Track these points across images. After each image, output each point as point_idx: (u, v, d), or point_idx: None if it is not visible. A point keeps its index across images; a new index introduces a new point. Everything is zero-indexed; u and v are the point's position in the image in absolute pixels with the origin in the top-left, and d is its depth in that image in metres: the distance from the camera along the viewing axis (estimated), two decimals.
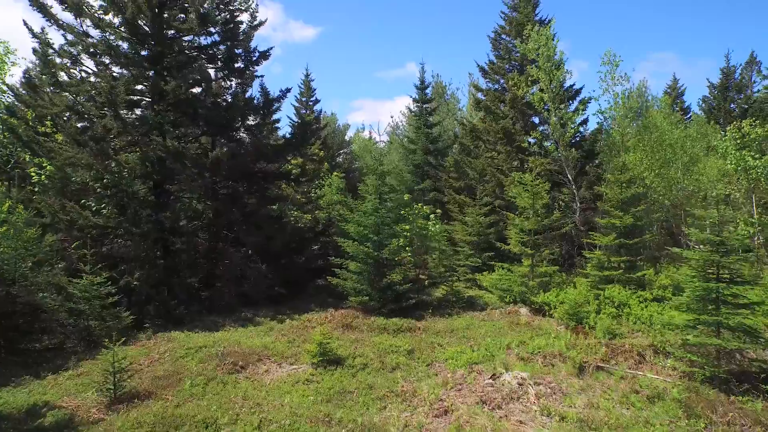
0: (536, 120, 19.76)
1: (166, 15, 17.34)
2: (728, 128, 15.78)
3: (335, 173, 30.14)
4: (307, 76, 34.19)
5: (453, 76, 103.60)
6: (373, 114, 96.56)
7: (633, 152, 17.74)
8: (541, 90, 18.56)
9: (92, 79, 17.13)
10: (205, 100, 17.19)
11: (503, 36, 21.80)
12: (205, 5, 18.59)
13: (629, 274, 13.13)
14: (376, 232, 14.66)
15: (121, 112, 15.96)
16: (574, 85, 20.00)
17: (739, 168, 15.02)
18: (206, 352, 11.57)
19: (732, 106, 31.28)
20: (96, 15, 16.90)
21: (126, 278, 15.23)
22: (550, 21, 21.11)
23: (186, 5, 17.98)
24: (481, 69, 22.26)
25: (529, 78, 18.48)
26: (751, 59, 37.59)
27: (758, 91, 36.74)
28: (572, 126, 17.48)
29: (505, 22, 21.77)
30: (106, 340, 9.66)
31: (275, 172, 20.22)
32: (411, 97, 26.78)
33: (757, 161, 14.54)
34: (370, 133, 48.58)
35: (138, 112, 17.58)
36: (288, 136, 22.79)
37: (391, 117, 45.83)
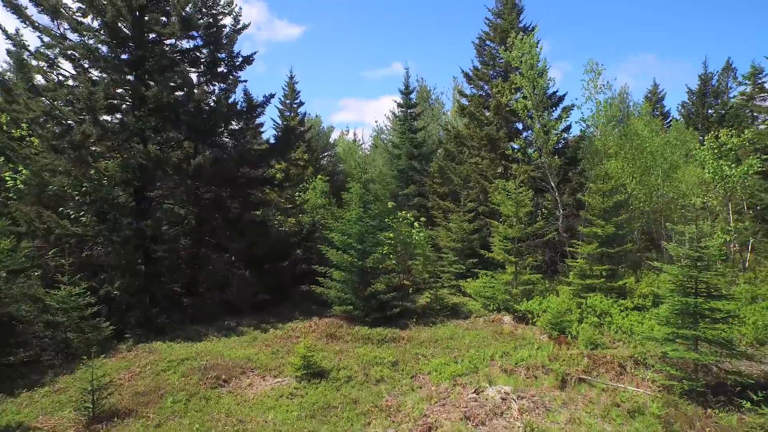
0: (520, 126, 19.90)
1: (147, 18, 17.05)
2: (706, 137, 16.10)
3: (319, 176, 30.00)
4: (291, 78, 33.98)
5: (439, 76, 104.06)
6: (359, 113, 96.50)
7: (615, 159, 18.00)
8: (525, 97, 18.70)
9: (70, 82, 16.77)
10: (187, 105, 16.92)
11: (488, 42, 21.89)
12: (188, 8, 18.36)
13: (611, 282, 13.31)
14: (360, 240, 14.62)
15: (101, 117, 15.63)
16: (557, 91, 20.21)
17: (717, 176, 15.34)
18: (188, 365, 11.41)
19: (710, 111, 31.95)
20: (74, 17, 16.55)
21: (106, 287, 14.95)
22: (533, 28, 21.24)
23: (168, 8, 17.70)
24: (466, 75, 22.32)
25: (513, 85, 18.61)
26: (727, 66, 38.39)
27: (734, 96, 37.59)
28: (555, 133, 17.64)
29: (489, 28, 21.86)
30: (85, 357, 9.48)
31: (259, 177, 20.08)
32: (396, 102, 26.81)
33: (733, 170, 14.87)
34: (355, 134, 48.42)
35: (118, 116, 17.27)
36: (272, 140, 22.63)
37: (376, 121, 45.52)
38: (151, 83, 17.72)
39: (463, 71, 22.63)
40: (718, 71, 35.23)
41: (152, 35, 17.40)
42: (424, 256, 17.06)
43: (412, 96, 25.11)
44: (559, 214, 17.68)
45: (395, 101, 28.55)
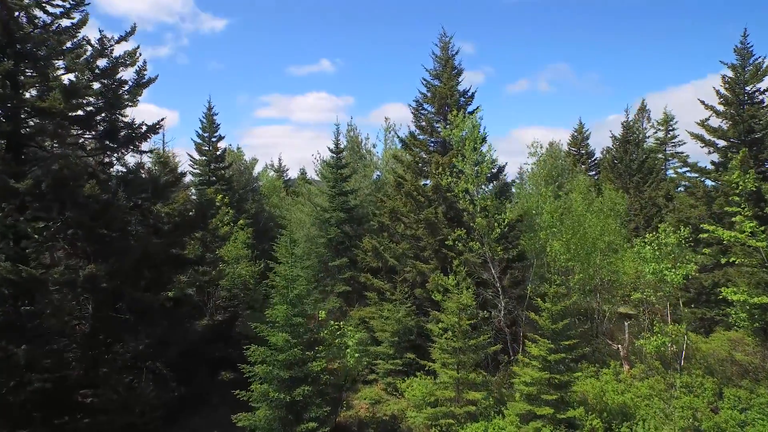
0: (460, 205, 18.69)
1: (18, 84, 13.92)
2: (647, 235, 15.94)
3: (240, 221, 27.38)
4: (209, 109, 30.82)
5: (370, 80, 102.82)
6: (284, 111, 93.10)
7: (556, 241, 17.54)
8: (461, 171, 17.64)
9: None
10: (76, 193, 13.95)
11: (425, 105, 20.53)
12: (78, 61, 15.33)
13: (559, 414, 12.52)
14: (287, 367, 12.76)
15: None
16: (495, 160, 19.22)
17: (657, 278, 15.20)
18: None
19: (634, 155, 33.05)
20: None
21: None
22: (473, 94, 20.21)
23: (46, 70, 14.52)
24: (402, 141, 20.84)
25: (454, 168, 17.40)
26: (642, 107, 40.20)
27: (649, 137, 39.59)
28: (498, 220, 16.69)
29: (427, 89, 20.52)
30: None
31: (172, 257, 17.47)
32: (324, 161, 24.74)
33: (673, 276, 14.75)
34: (280, 161, 45.77)
35: None
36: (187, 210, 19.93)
37: (305, 175, 41.48)
38: (27, 153, 14.73)
39: (399, 137, 21.27)
40: (634, 116, 36.76)
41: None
42: (358, 355, 15.60)
43: (343, 154, 23.08)
44: (501, 306, 16.85)
45: (323, 160, 26.51)
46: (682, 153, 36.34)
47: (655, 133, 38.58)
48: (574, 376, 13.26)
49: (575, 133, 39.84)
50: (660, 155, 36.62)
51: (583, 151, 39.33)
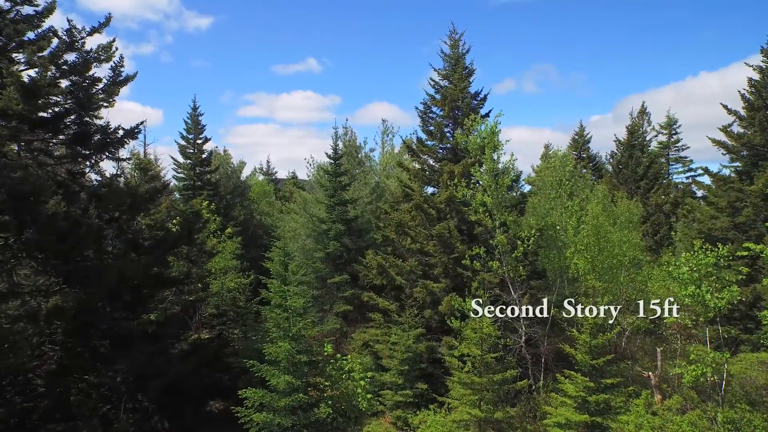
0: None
1: None
2: (683, 255, 14.51)
3: (228, 230, 25.42)
4: (194, 109, 28.73)
5: (360, 77, 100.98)
6: (269, 110, 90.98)
7: (577, 258, 16.05)
8: (477, 182, 16.03)
9: None
10: (37, 209, 11.95)
11: (434, 108, 18.84)
12: (42, 55, 13.33)
13: None
14: (290, 412, 10.99)
15: None
16: (514, 168, 17.62)
17: (697, 302, 13.78)
18: None
19: (639, 160, 31.81)
20: None
21: None
22: (485, 97, 18.61)
23: (1, 64, 12.42)
24: (408, 147, 19.09)
25: (471, 179, 15.81)
26: (642, 110, 38.98)
27: (651, 140, 38.45)
28: (519, 234, 15.11)
29: (435, 91, 18.82)
30: None
31: (154, 276, 15.55)
32: (322, 169, 22.75)
33: (716, 300, 13.34)
34: (269, 164, 43.66)
35: None
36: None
37: (293, 174, 39.60)
38: None
39: (404, 141, 19.51)
40: (635, 119, 35.51)
41: None
42: (370, 396, 13.87)
43: (341, 161, 21.13)
44: (522, 331, 15.26)
45: (319, 165, 24.71)
46: (686, 158, 35.41)
47: (656, 136, 37.49)
48: (618, 419, 11.73)
49: (576, 136, 38.61)
50: (663, 159, 35.53)
51: (584, 155, 38.07)
